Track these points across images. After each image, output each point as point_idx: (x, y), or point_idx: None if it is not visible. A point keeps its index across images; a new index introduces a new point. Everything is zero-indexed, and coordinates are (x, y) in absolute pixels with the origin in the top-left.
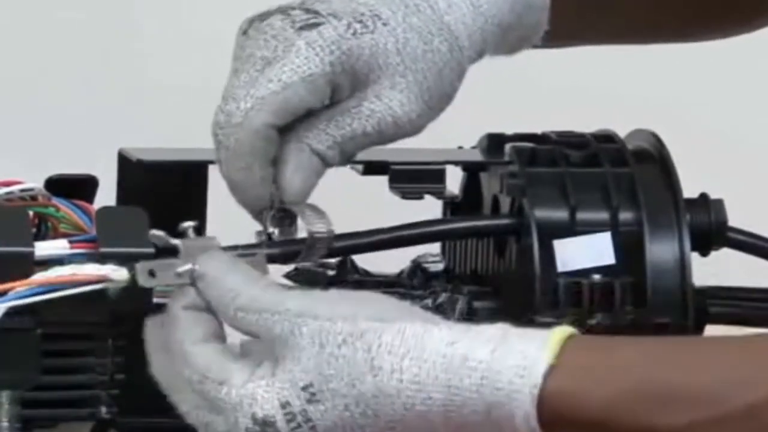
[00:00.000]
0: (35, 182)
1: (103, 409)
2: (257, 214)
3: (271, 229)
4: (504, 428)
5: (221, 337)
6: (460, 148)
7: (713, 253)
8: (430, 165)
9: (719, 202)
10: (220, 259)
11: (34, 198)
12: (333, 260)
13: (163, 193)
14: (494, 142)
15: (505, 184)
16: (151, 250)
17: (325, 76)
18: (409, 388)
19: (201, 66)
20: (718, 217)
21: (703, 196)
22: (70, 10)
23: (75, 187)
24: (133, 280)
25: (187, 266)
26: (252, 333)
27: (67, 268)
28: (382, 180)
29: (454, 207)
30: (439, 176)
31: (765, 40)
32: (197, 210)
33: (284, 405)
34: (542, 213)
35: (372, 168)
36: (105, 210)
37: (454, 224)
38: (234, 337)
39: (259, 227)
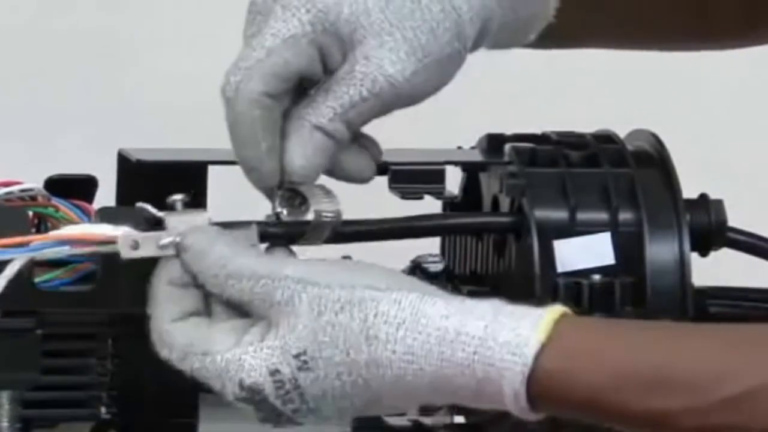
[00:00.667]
0: (35, 182)
1: (103, 409)
2: (269, 193)
3: (279, 209)
4: (492, 403)
5: (202, 312)
6: (460, 148)
7: (713, 253)
8: (430, 165)
9: (719, 202)
10: (206, 231)
11: (34, 198)
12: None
13: (163, 193)
14: (494, 142)
15: (505, 185)
16: None
17: (306, 36)
18: (402, 359)
19: (201, 66)
20: (718, 217)
21: (703, 196)
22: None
23: (75, 187)
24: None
25: (170, 238)
26: (244, 301)
27: (81, 226)
28: (382, 180)
29: (453, 207)
30: (439, 176)
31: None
32: None
33: (273, 372)
34: (542, 213)
35: None
36: (105, 210)
37: (456, 219)
38: None
39: (269, 211)
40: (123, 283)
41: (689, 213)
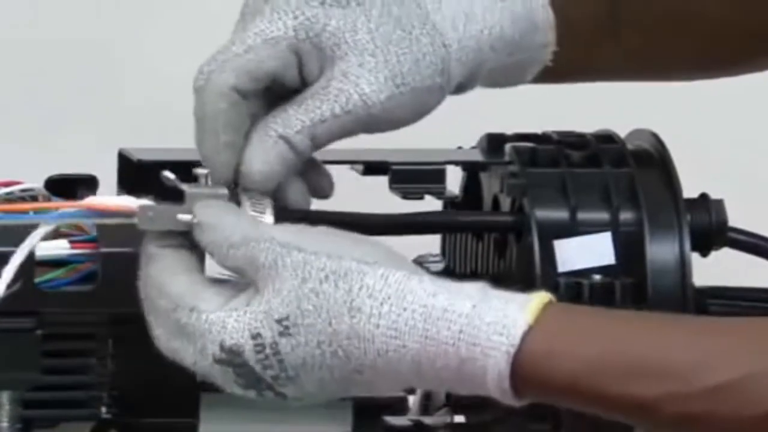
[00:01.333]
0: (35, 182)
1: (103, 410)
2: (194, 178)
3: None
4: (473, 385)
5: (198, 271)
6: (460, 148)
7: (713, 253)
8: (430, 165)
9: (719, 202)
10: (217, 205)
11: (34, 198)
12: None
13: (163, 193)
14: (494, 142)
15: (506, 184)
16: None
17: (287, 40)
18: (385, 334)
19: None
20: (718, 217)
21: (703, 196)
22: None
23: (75, 187)
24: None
25: (187, 216)
26: (240, 268)
27: (103, 198)
28: (382, 180)
29: (454, 207)
30: (439, 176)
31: None
32: None
33: (255, 336)
34: (542, 213)
35: (372, 168)
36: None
37: (456, 217)
38: None
39: None
40: (123, 283)
41: (690, 213)
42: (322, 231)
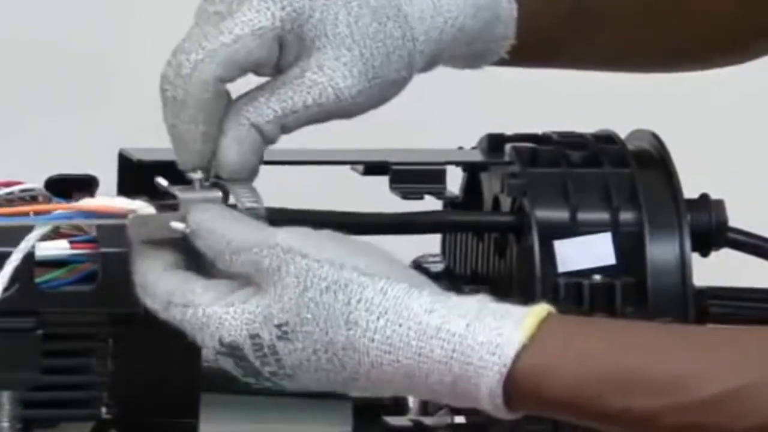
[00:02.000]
0: (35, 182)
1: (103, 410)
2: (189, 173)
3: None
4: (467, 400)
5: (186, 267)
6: (460, 148)
7: (713, 253)
8: (430, 165)
9: (719, 202)
10: (213, 210)
11: (34, 198)
12: None
13: (164, 193)
14: (494, 143)
15: (506, 185)
16: None
17: (273, 31)
18: (380, 348)
19: None
20: (718, 217)
21: (703, 196)
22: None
23: (75, 187)
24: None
25: (180, 225)
26: (243, 273)
27: (99, 199)
28: (382, 180)
29: (454, 207)
30: (439, 176)
31: None
32: None
33: (253, 336)
34: (543, 213)
35: (372, 168)
36: None
37: (457, 216)
38: None
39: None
40: (123, 283)
41: (690, 213)
42: (326, 235)
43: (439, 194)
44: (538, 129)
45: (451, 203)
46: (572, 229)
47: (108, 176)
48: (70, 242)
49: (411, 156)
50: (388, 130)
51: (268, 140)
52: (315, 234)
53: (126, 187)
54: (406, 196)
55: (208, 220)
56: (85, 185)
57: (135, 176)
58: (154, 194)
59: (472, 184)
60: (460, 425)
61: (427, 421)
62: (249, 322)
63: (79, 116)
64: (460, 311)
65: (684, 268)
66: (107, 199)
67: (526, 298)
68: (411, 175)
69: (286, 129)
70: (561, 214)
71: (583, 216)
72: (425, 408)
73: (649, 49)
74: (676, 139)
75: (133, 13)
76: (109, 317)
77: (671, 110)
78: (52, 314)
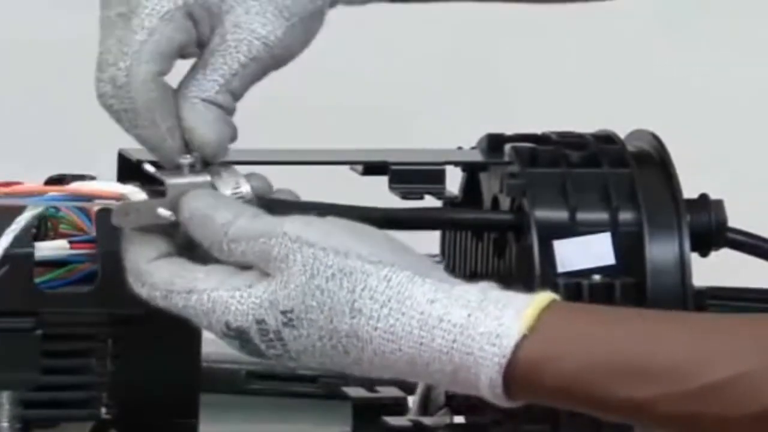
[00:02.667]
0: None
1: (103, 410)
2: (176, 167)
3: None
4: (467, 388)
5: (178, 254)
6: (460, 148)
7: (712, 253)
8: (430, 165)
9: (719, 203)
10: (205, 197)
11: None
12: None
13: (163, 193)
14: (494, 143)
15: (505, 185)
16: None
17: (180, 9)
18: (382, 336)
19: None
20: (718, 217)
21: (703, 197)
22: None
23: None
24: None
25: (167, 212)
26: (244, 262)
27: (92, 183)
28: (382, 180)
29: (454, 207)
30: (439, 176)
31: (766, 40)
32: None
33: (259, 321)
34: (542, 213)
35: (372, 168)
36: (105, 210)
37: (456, 214)
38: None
39: None
40: (123, 283)
41: (689, 213)
42: (331, 222)
43: (438, 194)
44: (538, 129)
45: (450, 203)
46: (571, 229)
47: (108, 176)
48: (70, 242)
49: (410, 156)
50: (388, 130)
51: (227, 110)
52: (320, 221)
53: None
54: (405, 196)
55: (202, 207)
56: None
57: (134, 176)
58: (153, 193)
59: (471, 184)
60: (460, 425)
61: (427, 421)
62: (255, 307)
63: (79, 116)
64: (462, 301)
65: (683, 268)
66: (100, 183)
67: None
68: (410, 175)
69: (236, 94)
70: (560, 214)
71: (582, 216)
72: (425, 408)
73: None
74: (676, 139)
75: None
76: (109, 317)
77: (671, 110)
78: (52, 314)
